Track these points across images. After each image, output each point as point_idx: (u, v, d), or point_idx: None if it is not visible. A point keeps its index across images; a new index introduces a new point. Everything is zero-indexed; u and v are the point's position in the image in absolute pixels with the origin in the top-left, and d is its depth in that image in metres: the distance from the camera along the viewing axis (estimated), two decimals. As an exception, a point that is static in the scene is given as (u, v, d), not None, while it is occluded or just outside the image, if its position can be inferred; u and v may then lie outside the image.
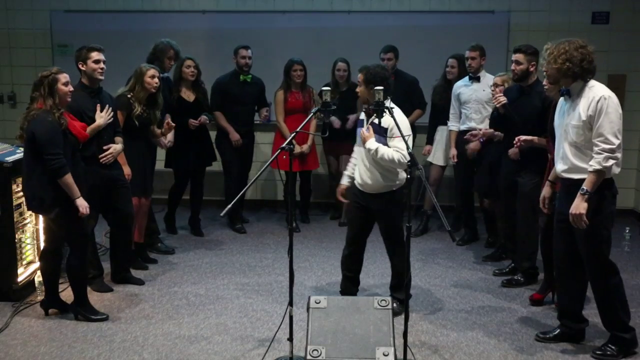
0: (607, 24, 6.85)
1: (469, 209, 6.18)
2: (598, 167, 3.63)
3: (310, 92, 6.42)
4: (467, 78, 5.87)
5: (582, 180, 3.72)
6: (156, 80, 5.11)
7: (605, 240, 3.82)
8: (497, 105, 4.91)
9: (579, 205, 3.69)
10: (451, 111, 5.98)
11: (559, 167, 3.88)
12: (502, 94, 4.93)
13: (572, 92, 3.79)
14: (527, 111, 4.75)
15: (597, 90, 3.70)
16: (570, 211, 3.72)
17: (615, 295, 3.87)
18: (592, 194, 3.67)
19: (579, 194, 3.69)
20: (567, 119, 3.81)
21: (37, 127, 4.03)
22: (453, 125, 5.99)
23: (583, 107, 3.69)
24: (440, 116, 6.23)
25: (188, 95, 5.95)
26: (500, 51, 6.76)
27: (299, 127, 3.92)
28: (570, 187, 3.80)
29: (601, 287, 3.88)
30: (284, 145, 3.62)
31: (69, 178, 4.07)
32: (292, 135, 3.73)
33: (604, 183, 3.72)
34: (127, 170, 5.01)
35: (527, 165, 4.80)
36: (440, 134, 6.30)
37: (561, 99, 3.91)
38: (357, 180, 4.44)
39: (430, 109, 6.40)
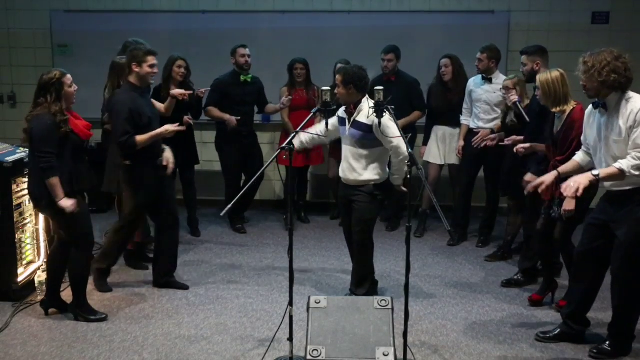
0: (607, 24, 6.86)
1: (465, 208, 6.17)
2: (623, 168, 3.54)
3: (315, 90, 6.43)
4: (480, 77, 5.89)
5: (631, 190, 3.64)
6: None
7: None
8: (509, 104, 5.01)
9: (582, 180, 3.59)
10: (464, 106, 6.02)
11: (607, 183, 3.75)
12: (513, 93, 5.03)
13: (608, 104, 3.68)
14: (538, 108, 4.79)
15: (635, 103, 3.59)
16: (570, 179, 3.65)
17: (637, 305, 3.85)
18: (600, 179, 3.62)
19: (590, 173, 3.63)
20: (606, 133, 3.70)
21: (35, 125, 4.06)
22: (465, 119, 6.03)
23: (623, 120, 3.60)
24: (435, 117, 6.23)
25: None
26: (500, 51, 6.74)
27: (300, 126, 3.96)
28: (619, 197, 3.72)
29: (627, 296, 3.83)
30: (284, 145, 3.65)
31: (54, 180, 4.06)
32: (292, 135, 3.76)
33: None
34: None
35: (529, 167, 4.81)
36: (435, 133, 6.27)
37: (595, 111, 3.80)
38: (342, 175, 4.62)
39: (427, 110, 6.37)
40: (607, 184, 3.76)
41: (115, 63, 5.07)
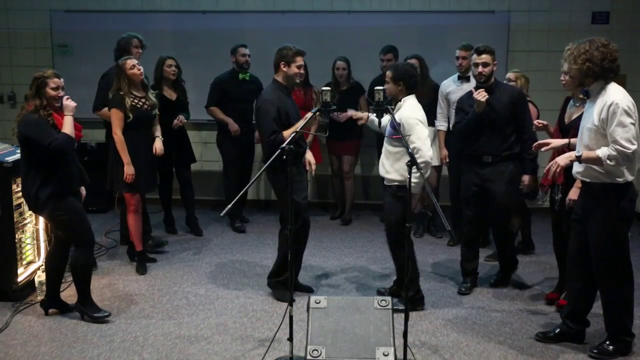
0: (607, 24, 6.86)
1: (459, 208, 6.14)
2: (600, 155, 3.57)
3: (312, 90, 6.45)
4: (455, 77, 5.86)
5: (597, 184, 3.69)
6: (138, 67, 5.11)
7: (622, 244, 3.78)
8: (481, 100, 4.62)
9: (561, 160, 3.72)
10: (438, 110, 5.96)
11: (575, 167, 3.82)
12: (483, 90, 4.68)
13: (590, 93, 3.73)
14: (497, 110, 4.68)
15: (611, 94, 3.61)
16: (556, 159, 3.77)
17: (624, 300, 3.86)
18: (580, 160, 3.67)
19: (573, 153, 3.70)
20: (584, 121, 3.76)
21: (25, 128, 4.10)
22: (441, 125, 5.97)
23: (597, 110, 3.63)
24: None
25: (170, 94, 5.98)
26: (500, 51, 6.69)
27: (299, 126, 3.95)
28: (590, 193, 3.77)
29: (611, 292, 3.86)
30: (283, 145, 3.65)
31: (65, 128, 4.12)
32: (292, 135, 3.76)
33: (622, 187, 3.68)
34: (129, 170, 5.02)
35: (499, 173, 4.74)
36: None
37: (588, 100, 3.84)
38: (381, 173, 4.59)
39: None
40: (574, 170, 3.79)
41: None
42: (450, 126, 5.88)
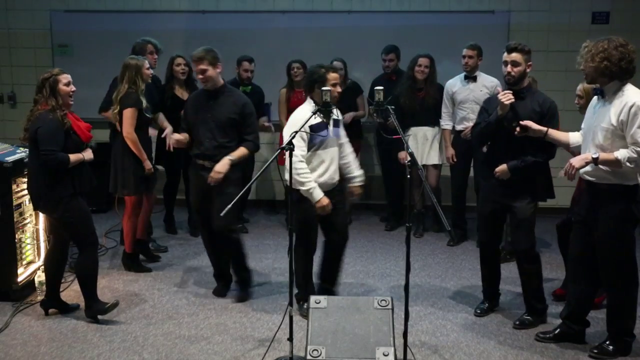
0: (607, 24, 6.86)
1: (460, 209, 6.16)
2: (619, 157, 3.54)
3: None
4: (462, 76, 5.85)
5: (604, 185, 3.68)
6: (150, 70, 5.15)
7: (629, 246, 3.77)
8: (505, 102, 4.09)
9: (576, 161, 3.66)
10: (443, 110, 5.95)
11: (584, 170, 3.76)
12: (510, 92, 4.15)
13: (606, 92, 3.69)
14: (526, 116, 4.10)
15: (630, 95, 3.58)
16: (571, 160, 3.70)
17: (629, 302, 3.86)
18: (597, 162, 3.61)
19: (590, 154, 3.63)
20: (597, 121, 3.72)
21: (41, 124, 4.07)
22: (447, 124, 5.96)
23: (615, 110, 3.60)
24: (410, 117, 5.94)
25: (181, 93, 5.97)
26: (500, 51, 6.55)
27: (300, 127, 3.94)
28: (596, 193, 3.74)
29: (616, 292, 3.85)
30: (283, 145, 3.65)
31: (73, 157, 4.12)
32: (292, 135, 3.76)
33: (630, 189, 3.66)
34: (149, 165, 5.07)
35: (521, 188, 4.23)
36: (415, 134, 6.06)
37: (594, 98, 3.81)
38: (332, 180, 4.40)
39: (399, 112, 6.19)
40: (582, 170, 3.74)
41: (128, 63, 5.02)
42: (455, 125, 5.89)
